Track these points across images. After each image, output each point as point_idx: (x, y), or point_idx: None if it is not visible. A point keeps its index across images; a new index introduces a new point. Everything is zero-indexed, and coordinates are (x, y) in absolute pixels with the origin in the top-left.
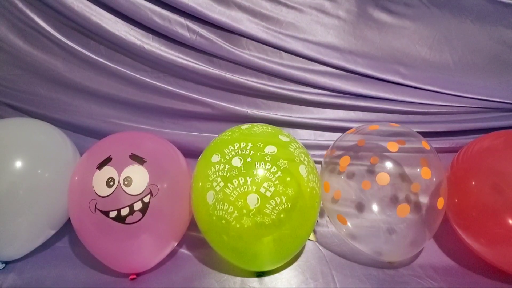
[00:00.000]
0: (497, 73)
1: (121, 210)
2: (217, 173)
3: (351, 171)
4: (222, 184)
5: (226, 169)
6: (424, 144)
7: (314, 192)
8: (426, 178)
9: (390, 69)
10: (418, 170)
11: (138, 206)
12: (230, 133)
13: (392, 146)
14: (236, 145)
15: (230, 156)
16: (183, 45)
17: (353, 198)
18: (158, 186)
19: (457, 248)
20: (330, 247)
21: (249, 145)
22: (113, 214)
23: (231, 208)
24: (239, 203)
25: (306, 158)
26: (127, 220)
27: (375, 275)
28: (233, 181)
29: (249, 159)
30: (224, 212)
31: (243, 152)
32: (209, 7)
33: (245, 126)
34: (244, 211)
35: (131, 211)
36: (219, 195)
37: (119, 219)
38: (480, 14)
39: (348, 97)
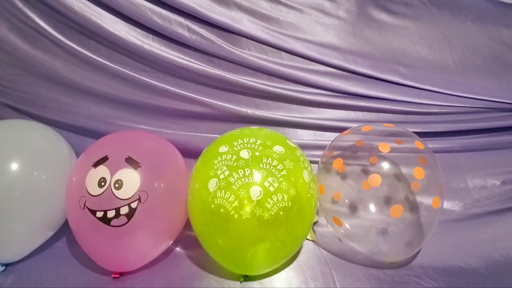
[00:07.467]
0: (497, 73)
1: (108, 212)
2: (223, 162)
3: (348, 172)
4: (227, 172)
5: (233, 159)
6: (418, 143)
7: (312, 199)
8: (420, 178)
9: (390, 69)
10: (412, 170)
11: (124, 210)
12: (240, 130)
13: (387, 146)
14: (246, 139)
15: (239, 148)
16: (183, 45)
17: (351, 198)
18: (148, 194)
19: (457, 248)
20: (330, 247)
21: (259, 141)
22: (99, 214)
23: (233, 197)
24: (242, 193)
25: (309, 167)
26: (112, 222)
27: (375, 275)
28: (239, 171)
29: (257, 153)
30: (224, 201)
31: (252, 147)
32: (209, 7)
33: (255, 127)
34: (245, 201)
35: (117, 215)
36: (222, 183)
37: (105, 220)
38: (480, 14)
39: (348, 97)
